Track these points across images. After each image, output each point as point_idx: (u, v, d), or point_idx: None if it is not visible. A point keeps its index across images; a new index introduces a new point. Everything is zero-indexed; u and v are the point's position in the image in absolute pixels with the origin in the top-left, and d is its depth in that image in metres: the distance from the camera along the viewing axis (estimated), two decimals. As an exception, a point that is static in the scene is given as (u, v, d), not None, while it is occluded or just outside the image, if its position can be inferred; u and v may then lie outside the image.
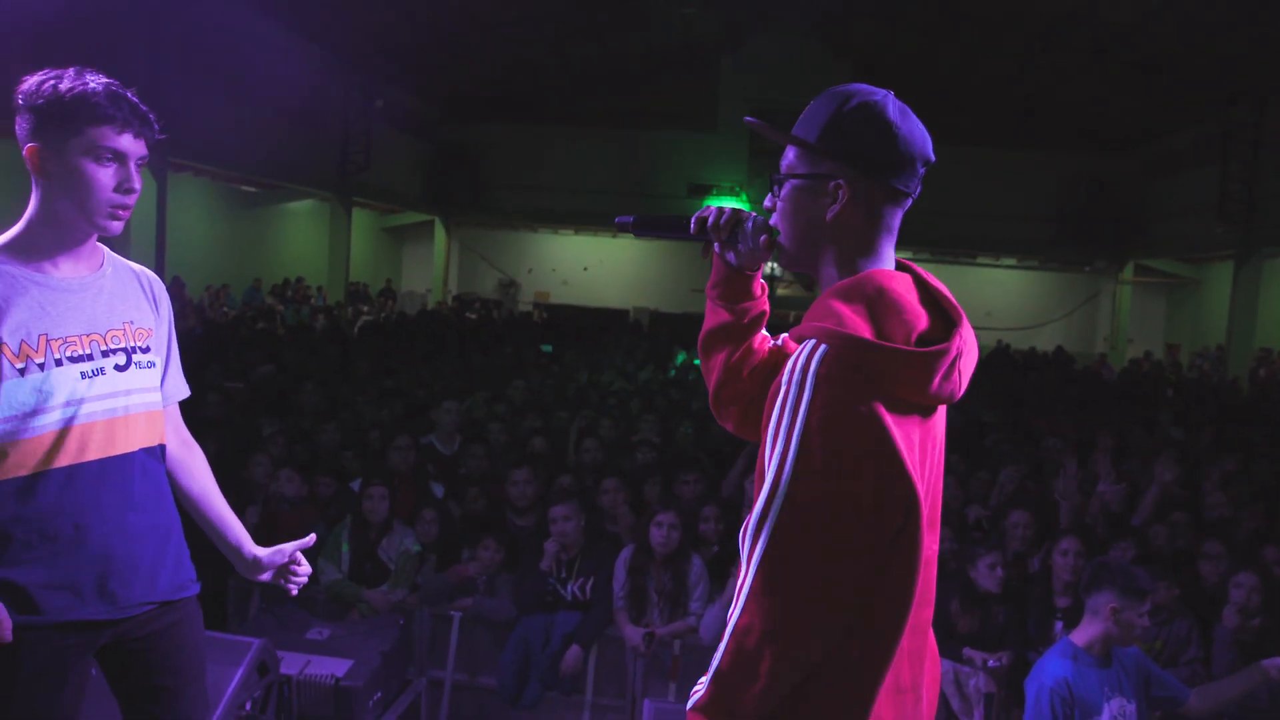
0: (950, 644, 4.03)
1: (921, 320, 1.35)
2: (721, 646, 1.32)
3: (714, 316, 1.66)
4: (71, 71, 1.80)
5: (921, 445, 1.33)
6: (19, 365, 1.77)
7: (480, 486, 5.23)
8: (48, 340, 1.80)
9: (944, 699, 4.02)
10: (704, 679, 1.35)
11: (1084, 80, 16.48)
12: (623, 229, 1.71)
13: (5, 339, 1.76)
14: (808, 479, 1.25)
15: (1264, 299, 15.23)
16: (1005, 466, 5.63)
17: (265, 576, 2.15)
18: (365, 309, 19.18)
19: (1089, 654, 3.01)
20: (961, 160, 19.91)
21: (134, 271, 2.03)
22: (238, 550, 2.14)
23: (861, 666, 1.32)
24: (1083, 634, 3.04)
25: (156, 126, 1.88)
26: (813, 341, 1.32)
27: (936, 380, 1.31)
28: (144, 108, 1.85)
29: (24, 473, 1.77)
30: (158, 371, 2.01)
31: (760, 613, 1.27)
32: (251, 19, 13.91)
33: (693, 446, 6.61)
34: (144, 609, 1.91)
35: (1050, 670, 2.99)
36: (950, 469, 5.54)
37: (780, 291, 22.45)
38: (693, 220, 1.62)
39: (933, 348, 1.31)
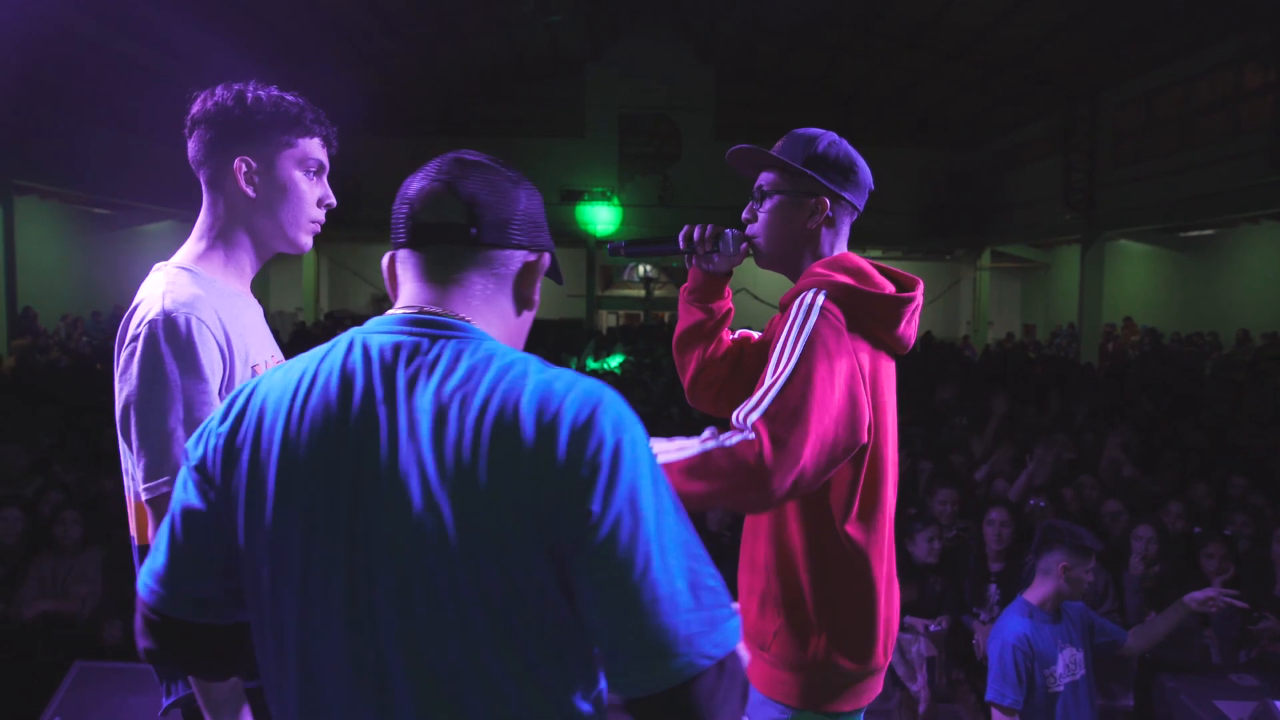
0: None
1: (888, 284, 1.82)
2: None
3: (690, 316, 2.04)
4: (251, 84, 1.65)
5: (887, 377, 1.78)
6: None
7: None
8: (269, 362, 1.69)
9: (890, 667, 4.24)
10: None
11: (937, 81, 17.39)
12: (614, 254, 2.00)
13: (254, 360, 1.64)
14: (804, 376, 1.62)
15: (1108, 278, 16.41)
16: (921, 454, 5.96)
17: None
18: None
19: (1043, 610, 3.26)
20: (825, 158, 20.68)
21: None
22: None
23: (865, 550, 1.75)
24: (1036, 592, 3.28)
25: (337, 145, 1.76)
26: (813, 289, 1.74)
27: (903, 324, 1.78)
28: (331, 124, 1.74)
29: None
30: None
31: (746, 444, 1.59)
32: (100, 31, 13.27)
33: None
34: None
35: (1010, 628, 3.21)
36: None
37: (657, 293, 22.77)
38: (680, 237, 1.97)
39: (904, 294, 1.79)
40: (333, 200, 1.73)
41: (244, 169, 1.64)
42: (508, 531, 1.00)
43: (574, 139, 20.87)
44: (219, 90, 1.65)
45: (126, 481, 1.66)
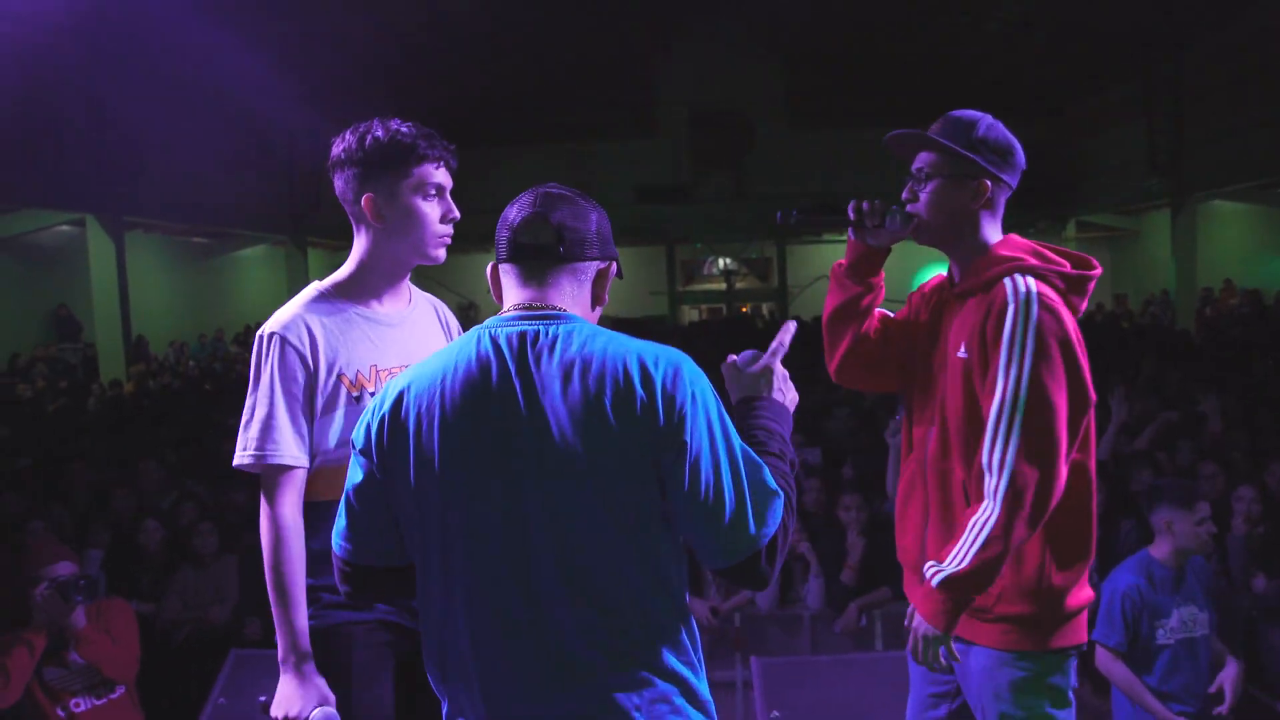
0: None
1: (1064, 261, 1.96)
2: (987, 526, 1.81)
3: (845, 292, 2.15)
4: (376, 121, 1.95)
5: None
6: (355, 394, 1.95)
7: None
8: (377, 371, 1.98)
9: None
10: (949, 560, 1.84)
11: (1009, 53, 17.06)
12: (784, 221, 2.09)
13: (344, 370, 1.95)
14: (1045, 366, 1.79)
15: (1202, 241, 15.92)
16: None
17: None
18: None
19: (1163, 565, 3.34)
20: (899, 139, 20.43)
21: (431, 304, 2.22)
22: None
23: (1083, 515, 1.94)
24: (1157, 548, 3.37)
25: (457, 157, 2.03)
26: (1018, 275, 1.89)
27: (1086, 299, 1.97)
28: (446, 143, 2.01)
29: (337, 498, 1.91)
30: None
31: (1025, 472, 1.78)
32: (173, 66, 13.91)
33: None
34: None
35: (1123, 578, 3.34)
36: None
37: (739, 285, 22.83)
38: (850, 208, 2.09)
39: (1092, 271, 1.97)
40: (456, 214, 2.01)
41: (372, 203, 1.95)
42: (625, 456, 1.41)
43: (646, 138, 21.03)
44: (348, 135, 1.96)
45: None
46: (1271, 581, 4.35)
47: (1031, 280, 1.86)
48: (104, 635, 3.51)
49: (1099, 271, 1.96)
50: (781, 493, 1.48)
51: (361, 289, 2.03)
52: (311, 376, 1.92)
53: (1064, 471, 1.80)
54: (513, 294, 1.56)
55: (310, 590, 1.93)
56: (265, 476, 1.91)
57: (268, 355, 1.91)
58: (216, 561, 4.92)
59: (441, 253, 2.03)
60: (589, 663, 1.41)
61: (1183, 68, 15.44)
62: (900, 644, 4.45)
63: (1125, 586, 3.30)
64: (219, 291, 19.91)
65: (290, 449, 1.90)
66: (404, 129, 1.94)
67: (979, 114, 2.02)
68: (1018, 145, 2.03)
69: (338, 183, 1.98)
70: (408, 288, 2.14)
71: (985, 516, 1.80)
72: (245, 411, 1.91)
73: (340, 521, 1.57)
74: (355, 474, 1.55)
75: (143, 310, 15.10)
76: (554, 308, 1.52)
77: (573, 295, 1.56)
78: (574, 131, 21.08)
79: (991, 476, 1.80)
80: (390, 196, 1.94)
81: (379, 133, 1.93)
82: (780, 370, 1.69)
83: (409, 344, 2.04)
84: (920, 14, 16.28)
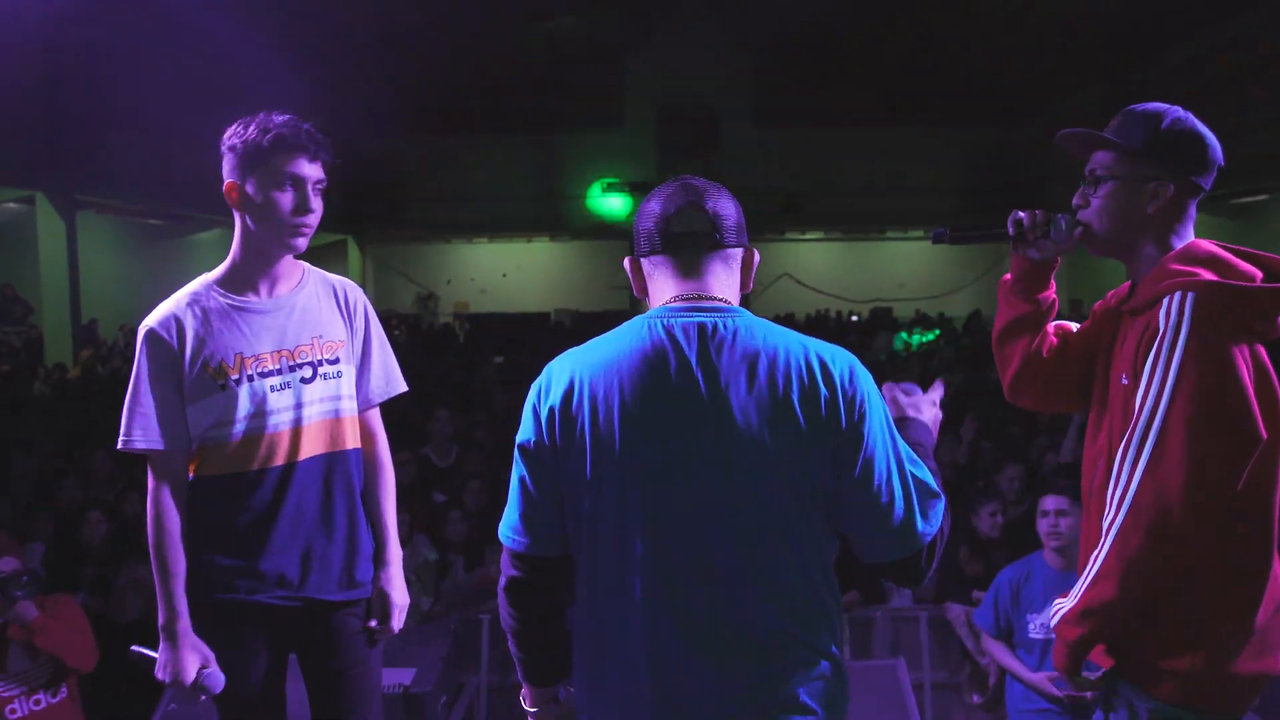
0: (960, 588, 4.31)
1: (1254, 270, 1.69)
2: (1097, 562, 1.66)
3: (1013, 310, 1.97)
4: (260, 114, 2.06)
5: (1270, 365, 1.67)
6: (219, 381, 2.05)
7: (485, 491, 5.32)
8: (242, 358, 2.07)
9: (958, 640, 4.29)
10: (1075, 594, 1.69)
11: (979, 55, 17.17)
12: (939, 240, 1.97)
13: (207, 358, 2.05)
14: (1185, 398, 1.58)
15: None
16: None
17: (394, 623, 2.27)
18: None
19: (1046, 562, 3.46)
20: (867, 139, 20.53)
21: (331, 284, 2.25)
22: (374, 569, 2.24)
23: (1244, 563, 1.67)
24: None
25: (331, 151, 2.11)
26: (1179, 292, 1.64)
27: None
28: (320, 135, 2.09)
29: (219, 474, 2.06)
30: (349, 380, 2.20)
31: (1141, 513, 1.60)
32: (141, 43, 13.57)
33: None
34: (315, 600, 2.11)
35: (1008, 570, 3.54)
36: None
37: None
38: (1009, 222, 1.91)
39: (1278, 284, 1.65)
40: (312, 207, 2.07)
41: (233, 190, 2.06)
42: (809, 451, 1.47)
43: (613, 131, 20.90)
44: (231, 126, 2.07)
45: None
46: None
47: (1190, 299, 1.62)
48: (60, 623, 3.41)
49: None
50: (942, 496, 1.55)
51: (236, 279, 2.13)
52: (177, 365, 2.04)
53: (1201, 516, 1.58)
54: (670, 284, 1.59)
55: (202, 563, 2.06)
56: (148, 461, 2.06)
57: (141, 348, 2.06)
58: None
59: (300, 242, 2.09)
60: (763, 644, 1.47)
61: (1149, 76, 15.64)
62: (868, 651, 4.44)
63: (1006, 577, 3.51)
64: (174, 275, 18.83)
65: (152, 434, 2.03)
66: (274, 120, 2.04)
67: (1165, 106, 1.78)
68: (1210, 140, 1.77)
69: (222, 170, 2.09)
70: (298, 268, 2.20)
71: (1098, 552, 1.67)
72: (125, 400, 2.05)
73: (512, 517, 1.60)
74: (525, 469, 1.57)
75: (93, 293, 14.70)
76: (719, 299, 1.57)
77: (727, 283, 1.61)
78: (542, 123, 20.89)
79: (1110, 511, 1.66)
80: (251, 185, 2.04)
81: (252, 124, 2.04)
82: (932, 395, 1.79)
83: (287, 327, 2.13)
84: (891, 13, 16.31)
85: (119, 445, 2.05)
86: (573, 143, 20.88)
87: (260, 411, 2.07)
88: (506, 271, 23.96)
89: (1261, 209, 16.52)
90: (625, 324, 1.58)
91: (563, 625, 1.64)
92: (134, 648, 2.15)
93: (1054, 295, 1.97)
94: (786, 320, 18.40)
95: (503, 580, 1.62)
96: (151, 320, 2.07)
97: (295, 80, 15.07)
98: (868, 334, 16.93)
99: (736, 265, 1.63)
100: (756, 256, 1.66)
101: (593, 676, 1.56)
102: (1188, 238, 1.79)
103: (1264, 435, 1.59)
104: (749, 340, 1.50)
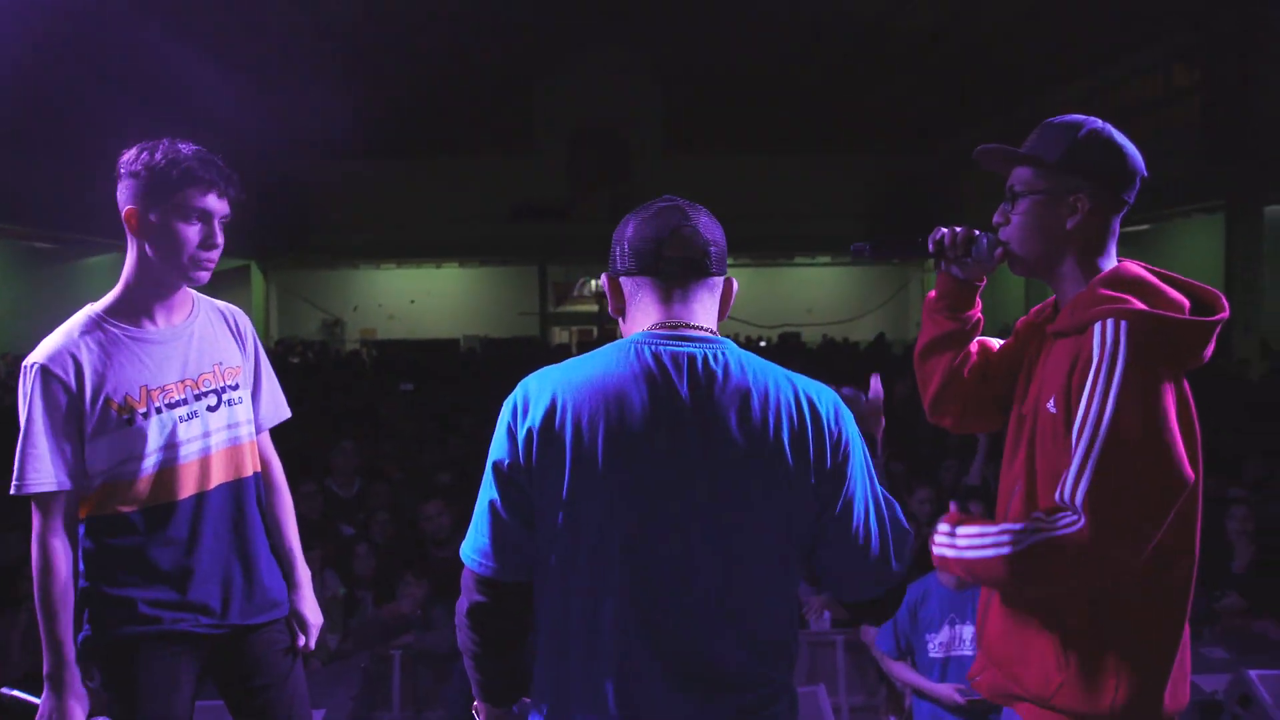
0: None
1: (1182, 299, 1.62)
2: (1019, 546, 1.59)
3: (937, 327, 1.90)
4: (165, 141, 1.99)
5: (1191, 401, 1.62)
6: (125, 416, 1.98)
7: (393, 524, 5.19)
8: (148, 391, 2.01)
9: (874, 662, 4.34)
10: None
11: (882, 88, 17.73)
12: (859, 254, 1.91)
13: (110, 394, 1.97)
14: (1127, 426, 1.52)
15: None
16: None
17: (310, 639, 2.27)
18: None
19: (939, 583, 3.44)
20: (775, 167, 20.94)
21: (220, 311, 2.22)
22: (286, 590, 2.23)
23: (1172, 588, 1.63)
24: None
25: (239, 187, 2.07)
26: (1112, 320, 1.57)
27: (1211, 346, 1.60)
28: (229, 170, 2.05)
29: (131, 509, 2.00)
30: (247, 406, 2.19)
31: (1090, 533, 1.52)
32: (39, 62, 13.04)
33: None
34: (239, 625, 2.10)
35: (913, 586, 3.44)
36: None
37: (612, 307, 22.81)
38: (929, 241, 1.85)
39: (1215, 317, 1.60)
40: (217, 241, 2.04)
41: (132, 219, 1.99)
42: (795, 488, 1.46)
43: (524, 155, 20.90)
44: (132, 149, 2.00)
45: None
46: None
47: (1124, 328, 1.56)
48: None
49: (1224, 315, 1.61)
50: (911, 531, 1.56)
51: (130, 308, 2.05)
52: (76, 403, 1.96)
53: (1138, 549, 1.53)
54: (655, 309, 1.56)
55: (115, 600, 2.00)
56: (35, 502, 1.95)
57: (32, 386, 1.95)
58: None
59: (202, 275, 2.05)
60: (729, 676, 1.47)
61: (1039, 114, 16.23)
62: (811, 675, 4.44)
63: (910, 594, 3.42)
64: (63, 301, 18.38)
65: (48, 475, 1.94)
66: (183, 151, 2.00)
67: (1083, 117, 1.71)
68: (1131, 152, 1.69)
69: (117, 193, 2.02)
70: (189, 297, 2.15)
71: (1013, 529, 1.59)
72: (17, 442, 1.96)
73: (480, 540, 1.53)
74: (497, 490, 1.51)
75: (-25, 319, 13.99)
76: (705, 329, 1.55)
77: (712, 311, 1.58)
78: (451, 147, 20.76)
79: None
80: (155, 214, 1.98)
81: (158, 151, 1.98)
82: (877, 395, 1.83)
83: (186, 357, 2.08)
84: (798, 47, 16.71)
85: (12, 489, 1.94)
86: (483, 168, 20.77)
87: (171, 443, 2.02)
88: (415, 297, 23.64)
89: (1144, 237, 17.40)
90: (608, 346, 1.53)
91: (523, 648, 1.60)
92: (6, 690, 2.06)
93: (979, 314, 1.91)
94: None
95: (465, 604, 1.56)
96: (41, 357, 1.96)
97: (200, 103, 14.72)
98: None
99: (719, 294, 1.60)
100: (735, 285, 1.63)
101: (556, 700, 1.52)
102: (1112, 256, 1.73)
103: (1190, 475, 1.55)
104: (739, 375, 1.48)
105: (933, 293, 1.92)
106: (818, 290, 23.70)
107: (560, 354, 17.83)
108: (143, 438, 1.98)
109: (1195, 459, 1.58)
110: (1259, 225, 12.71)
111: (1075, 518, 1.52)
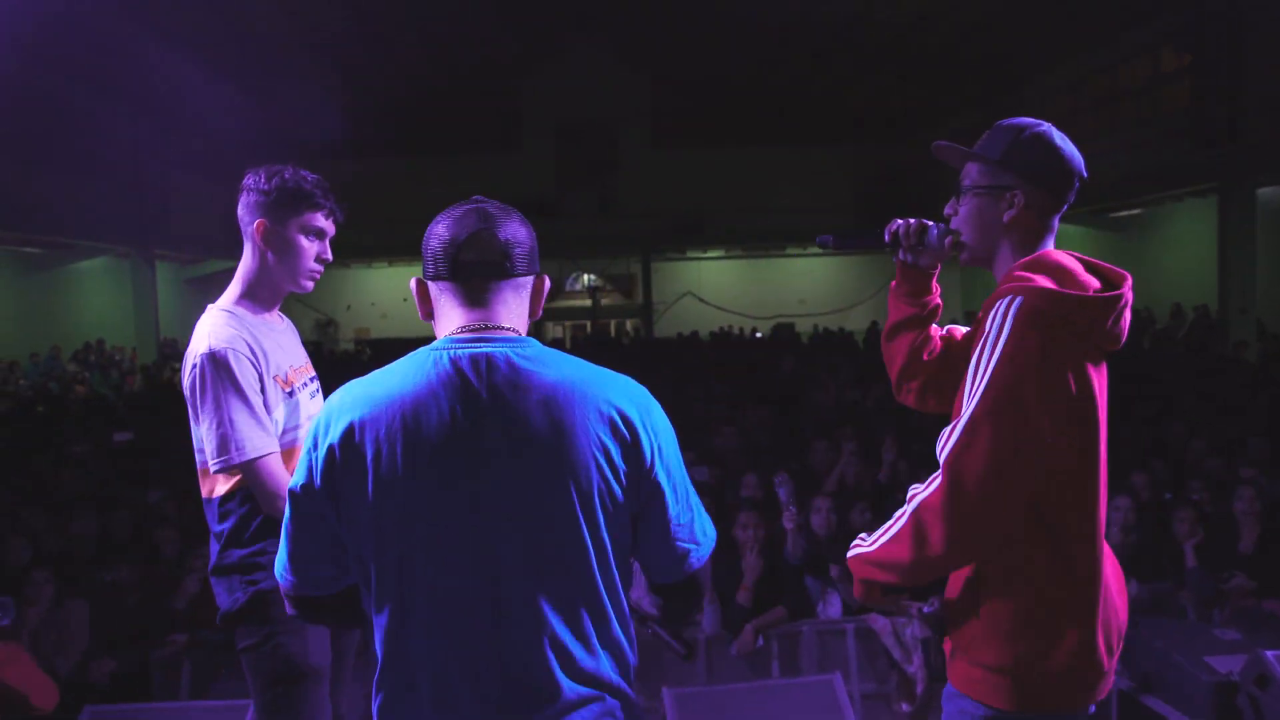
0: (887, 599, 4.36)
1: (1093, 281, 1.76)
2: (897, 524, 1.74)
3: (899, 312, 2.05)
4: (289, 168, 2.29)
5: (1097, 375, 1.73)
6: (287, 390, 2.29)
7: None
8: (293, 369, 2.34)
9: (886, 651, 4.34)
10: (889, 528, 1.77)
11: (868, 78, 17.72)
12: (823, 246, 2.09)
13: (275, 372, 2.27)
14: (999, 392, 1.64)
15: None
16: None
17: None
18: (179, 366, 18.07)
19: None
20: (765, 160, 20.94)
21: (283, 317, 2.50)
22: None
23: (1084, 537, 1.71)
24: None
25: (343, 212, 2.38)
26: (1009, 296, 1.70)
27: (1110, 321, 1.72)
28: (338, 201, 2.37)
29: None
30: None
31: (943, 493, 1.65)
32: (28, 68, 12.96)
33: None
34: None
35: None
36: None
37: (604, 302, 22.83)
38: (886, 231, 2.01)
39: (1109, 294, 1.72)
40: (329, 257, 2.37)
41: (263, 230, 2.27)
42: (607, 487, 1.46)
43: (512, 152, 20.84)
44: (261, 171, 2.28)
45: (197, 456, 2.29)
46: (1144, 586, 4.53)
47: (1017, 304, 1.67)
48: (24, 659, 3.46)
49: (1118, 294, 1.72)
50: (710, 522, 1.64)
51: (256, 303, 2.33)
52: (262, 379, 2.22)
53: (993, 508, 1.64)
54: (457, 313, 1.56)
55: (262, 554, 2.19)
56: (260, 468, 2.14)
57: (221, 369, 2.15)
58: (59, 608, 4.45)
59: (309, 284, 2.35)
60: (546, 683, 1.45)
61: (1024, 100, 16.37)
62: (796, 668, 4.45)
63: None
64: (55, 306, 18.55)
65: (266, 440, 2.17)
66: (307, 178, 2.29)
67: (1031, 120, 1.85)
68: (1068, 154, 1.82)
69: (239, 205, 2.30)
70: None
71: (900, 515, 1.74)
72: (210, 424, 2.15)
73: (281, 555, 1.57)
74: (296, 507, 1.52)
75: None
76: (507, 328, 1.54)
77: (516, 311, 1.58)
78: (440, 145, 20.70)
79: (921, 486, 1.73)
80: (280, 228, 2.27)
81: (287, 175, 2.27)
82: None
83: (295, 347, 2.42)
84: (783, 40, 16.68)
85: (233, 460, 2.12)
86: (471, 165, 20.69)
87: (310, 416, 2.32)
88: (407, 295, 23.43)
89: (1137, 221, 17.46)
90: (409, 355, 1.53)
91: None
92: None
93: (937, 300, 2.04)
94: (690, 339, 18.55)
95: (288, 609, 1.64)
96: (221, 343, 2.18)
97: (190, 106, 14.67)
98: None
99: (527, 294, 1.60)
100: (547, 283, 1.64)
101: (387, 709, 1.51)
102: (1047, 248, 1.85)
103: (1064, 446, 1.66)
104: (540, 372, 1.48)
105: (894, 280, 2.06)
106: (810, 281, 23.71)
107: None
108: (298, 409, 2.30)
109: (1091, 440, 1.70)
110: (1252, 207, 12.75)
111: (938, 476, 1.66)
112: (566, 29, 19.17)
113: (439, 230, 1.56)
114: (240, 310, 2.29)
